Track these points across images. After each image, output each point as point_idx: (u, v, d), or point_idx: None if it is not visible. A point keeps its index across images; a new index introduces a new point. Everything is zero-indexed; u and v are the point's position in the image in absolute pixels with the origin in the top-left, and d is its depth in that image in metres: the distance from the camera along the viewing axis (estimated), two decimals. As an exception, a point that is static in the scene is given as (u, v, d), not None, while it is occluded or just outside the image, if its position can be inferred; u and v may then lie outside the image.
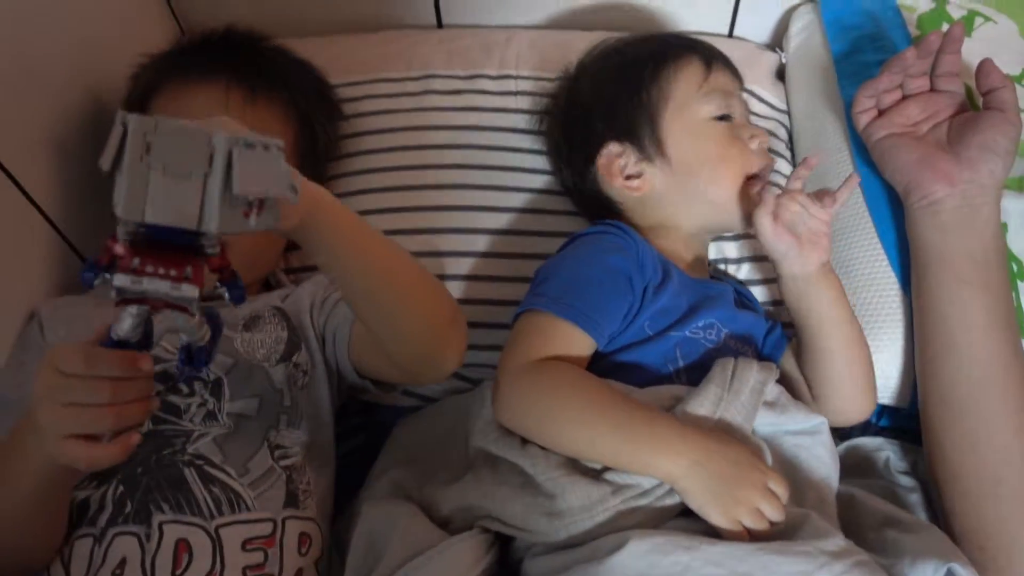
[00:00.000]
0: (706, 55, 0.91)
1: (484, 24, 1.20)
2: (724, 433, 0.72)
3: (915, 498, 0.86)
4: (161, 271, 0.52)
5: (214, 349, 0.59)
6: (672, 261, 0.86)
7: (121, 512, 0.70)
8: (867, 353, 0.85)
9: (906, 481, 0.88)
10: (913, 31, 1.03)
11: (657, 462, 0.68)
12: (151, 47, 0.98)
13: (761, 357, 0.87)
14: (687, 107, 0.88)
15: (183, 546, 0.69)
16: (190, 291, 0.53)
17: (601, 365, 0.78)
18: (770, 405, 0.77)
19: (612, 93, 0.91)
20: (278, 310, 0.84)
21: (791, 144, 1.10)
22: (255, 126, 0.64)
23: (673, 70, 0.90)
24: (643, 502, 0.69)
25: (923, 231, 0.86)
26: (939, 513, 0.84)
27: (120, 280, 0.52)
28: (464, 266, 0.97)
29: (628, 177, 0.88)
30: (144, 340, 0.57)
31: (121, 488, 0.71)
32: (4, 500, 0.66)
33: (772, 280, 0.96)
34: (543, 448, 0.71)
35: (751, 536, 0.67)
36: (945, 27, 1.01)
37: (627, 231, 0.84)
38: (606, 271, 0.79)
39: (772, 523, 0.67)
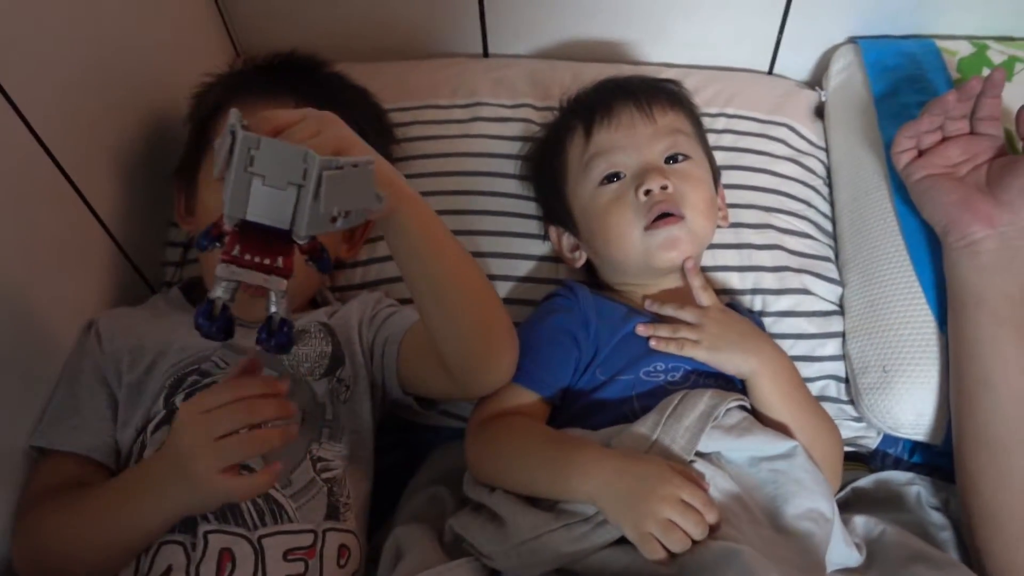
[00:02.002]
0: (587, 117, 0.93)
1: (529, 55, 1.23)
2: (646, 454, 0.75)
3: (946, 536, 0.86)
4: (256, 260, 0.59)
5: (292, 332, 0.63)
6: (639, 309, 0.90)
7: None
8: (821, 442, 0.83)
9: (937, 518, 0.88)
10: (954, 74, 1.05)
11: (574, 484, 0.73)
12: (209, 68, 1.02)
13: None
14: (577, 182, 0.92)
15: (227, 555, 0.71)
16: (278, 283, 0.61)
17: (567, 413, 0.85)
18: (727, 429, 0.78)
19: (537, 181, 1.01)
20: (324, 326, 0.86)
21: (829, 180, 1.11)
22: None
23: (565, 145, 0.94)
24: (584, 528, 0.72)
25: (961, 271, 0.87)
26: (971, 552, 0.84)
27: (221, 271, 0.59)
28: (504, 290, 1.00)
29: (572, 250, 0.97)
30: (226, 325, 0.62)
31: None
32: (118, 535, 0.71)
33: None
34: (506, 492, 0.78)
35: (669, 552, 0.68)
36: (986, 71, 1.03)
37: (575, 290, 0.90)
38: (551, 331, 0.87)
39: (695, 539, 0.68)
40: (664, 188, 0.86)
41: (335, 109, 0.92)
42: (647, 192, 0.86)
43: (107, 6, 0.93)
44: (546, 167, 0.97)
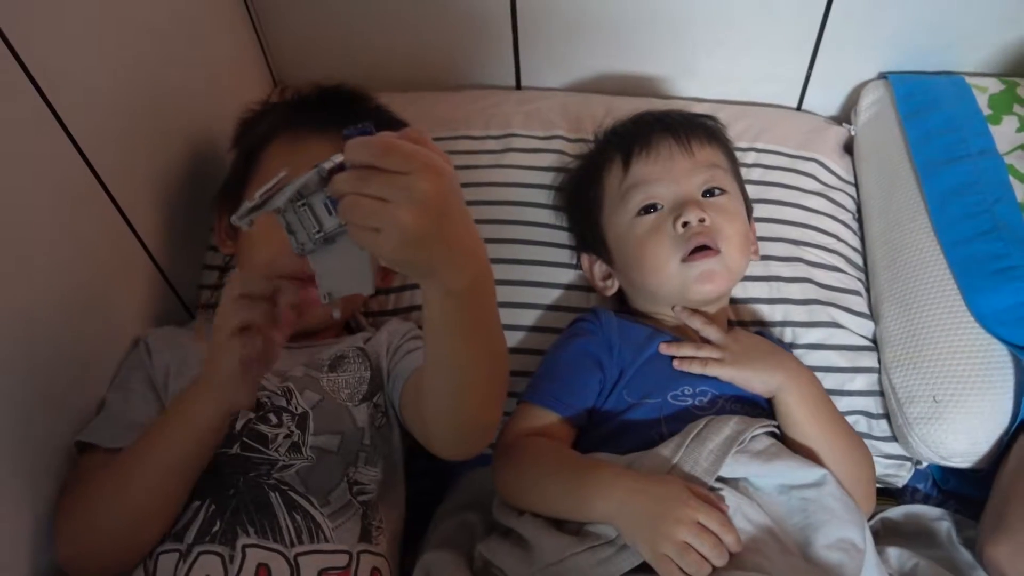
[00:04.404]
0: (626, 148, 0.94)
1: (561, 88, 1.26)
2: (665, 475, 0.75)
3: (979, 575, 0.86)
4: None
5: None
6: (668, 333, 0.90)
7: (209, 531, 0.73)
8: (851, 460, 0.84)
9: (969, 556, 0.87)
10: (985, 111, 1.06)
11: (592, 504, 0.74)
12: (249, 97, 1.05)
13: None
14: (613, 211, 0.94)
15: (263, 570, 0.72)
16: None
17: (595, 435, 0.85)
18: (754, 454, 0.79)
19: (572, 210, 1.02)
20: (361, 351, 0.88)
21: (858, 215, 1.12)
22: None
23: (603, 175, 0.96)
24: (609, 551, 0.72)
25: None
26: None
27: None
28: (533, 317, 1.01)
29: (604, 278, 0.99)
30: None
31: (213, 507, 0.75)
32: (158, 459, 0.73)
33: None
34: (534, 514, 0.79)
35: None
36: (1017, 108, 1.04)
37: (599, 315, 0.92)
38: (575, 355, 0.88)
39: (714, 562, 0.68)
40: (702, 221, 0.87)
41: None
42: (685, 224, 0.87)
43: (155, 38, 0.96)
44: (582, 196, 0.99)
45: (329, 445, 0.81)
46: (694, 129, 0.95)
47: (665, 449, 0.78)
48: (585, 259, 1.00)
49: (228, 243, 0.96)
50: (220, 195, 0.98)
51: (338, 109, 0.96)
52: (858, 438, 0.87)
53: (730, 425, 0.79)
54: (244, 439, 0.79)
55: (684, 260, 0.87)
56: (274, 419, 0.80)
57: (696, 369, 0.85)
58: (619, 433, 0.84)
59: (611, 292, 0.98)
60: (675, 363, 0.86)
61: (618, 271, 0.96)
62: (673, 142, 0.93)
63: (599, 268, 0.99)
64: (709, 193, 0.91)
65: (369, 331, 0.94)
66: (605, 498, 0.73)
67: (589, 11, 1.16)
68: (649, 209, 0.91)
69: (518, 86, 1.26)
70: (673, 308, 0.92)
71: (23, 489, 0.73)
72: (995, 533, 0.82)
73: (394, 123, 1.01)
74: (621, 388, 0.86)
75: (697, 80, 1.23)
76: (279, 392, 0.82)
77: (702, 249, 0.87)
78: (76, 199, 0.82)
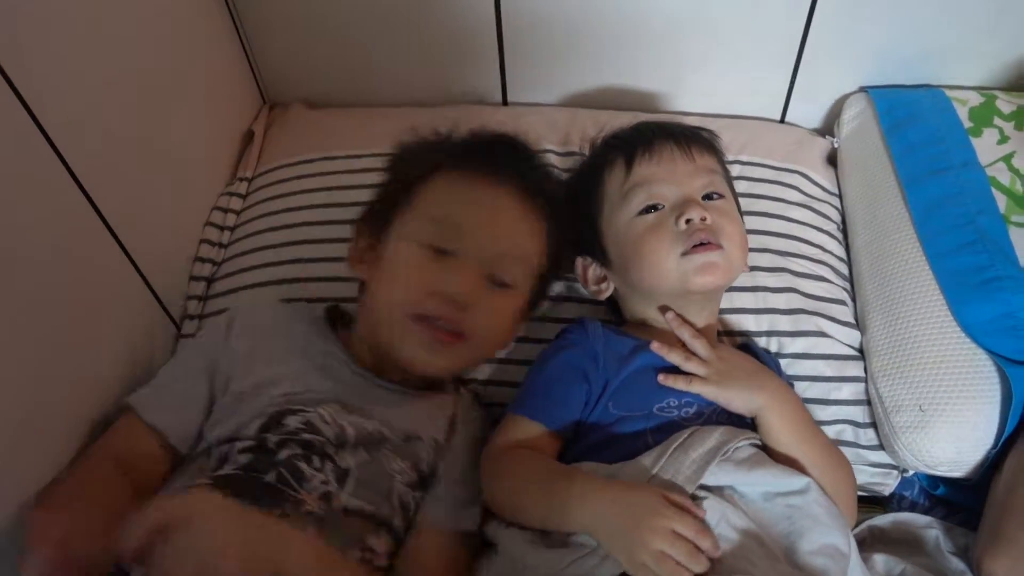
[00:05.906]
0: (628, 150, 0.95)
1: (547, 103, 1.27)
2: (641, 485, 0.76)
3: (967, 581, 0.86)
4: None
5: None
6: (648, 342, 0.90)
7: None
8: (833, 477, 0.84)
9: (957, 563, 0.88)
10: (966, 123, 1.08)
11: (570, 515, 0.75)
12: (238, 115, 1.06)
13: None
14: (614, 211, 0.94)
15: None
16: None
17: (582, 446, 0.86)
18: (738, 462, 0.79)
19: (569, 211, 1.00)
20: (436, 443, 0.87)
21: (843, 226, 1.13)
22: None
23: (604, 176, 0.96)
24: (593, 560, 0.72)
25: None
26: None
27: None
28: (521, 327, 1.00)
29: (598, 281, 0.98)
30: None
31: None
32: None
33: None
34: (520, 528, 0.79)
35: None
36: (996, 120, 1.05)
37: (585, 325, 0.92)
38: (561, 367, 0.89)
39: (693, 569, 0.69)
40: (703, 219, 0.88)
41: (540, 198, 0.92)
42: (687, 221, 0.88)
43: (143, 56, 0.96)
44: (580, 198, 0.98)
45: (360, 510, 0.78)
46: (694, 137, 0.97)
47: (646, 459, 0.79)
48: (579, 262, 1.00)
49: (362, 267, 0.93)
50: (365, 217, 0.96)
51: (504, 156, 0.95)
52: (841, 456, 0.88)
53: (715, 436, 0.79)
54: (281, 470, 0.76)
55: (684, 254, 0.88)
56: (317, 462, 0.78)
57: (680, 386, 0.86)
58: (605, 444, 0.84)
59: (604, 296, 0.98)
60: (660, 378, 0.87)
61: (615, 272, 0.96)
62: (675, 147, 0.94)
63: (593, 271, 0.98)
64: (709, 197, 0.93)
65: (456, 410, 0.91)
66: (581, 508, 0.74)
67: (574, 27, 1.17)
68: (651, 209, 0.91)
69: (504, 102, 1.27)
70: (665, 314, 0.92)
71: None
72: (993, 546, 0.83)
73: (552, 174, 1.02)
74: (606, 400, 0.87)
75: (681, 94, 1.24)
76: (332, 439, 0.80)
77: (703, 244, 0.88)
78: (61, 212, 0.82)
